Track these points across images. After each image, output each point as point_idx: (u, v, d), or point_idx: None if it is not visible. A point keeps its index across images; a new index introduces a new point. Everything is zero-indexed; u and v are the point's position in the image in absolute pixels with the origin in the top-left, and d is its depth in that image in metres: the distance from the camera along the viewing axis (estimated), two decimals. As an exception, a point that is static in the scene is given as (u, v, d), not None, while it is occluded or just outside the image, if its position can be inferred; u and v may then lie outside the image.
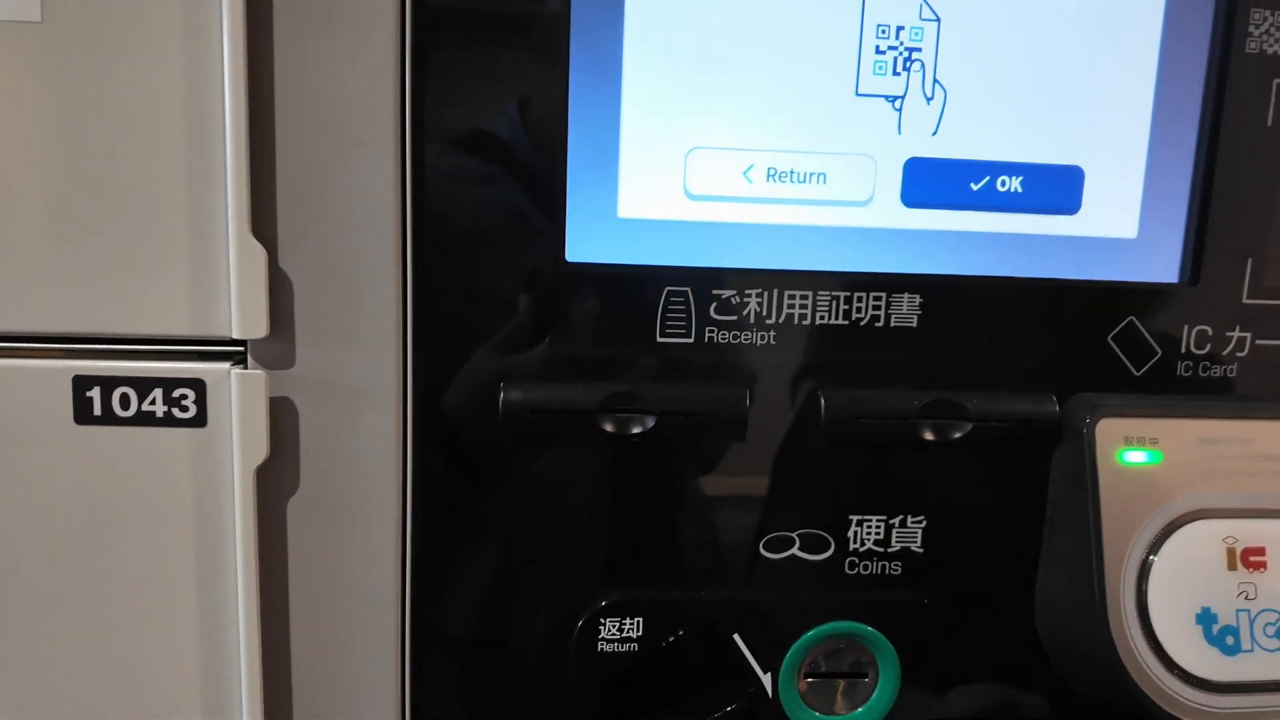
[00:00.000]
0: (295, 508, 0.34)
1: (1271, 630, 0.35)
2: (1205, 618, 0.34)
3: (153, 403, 0.32)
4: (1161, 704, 0.34)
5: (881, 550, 0.36)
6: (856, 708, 0.37)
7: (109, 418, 0.32)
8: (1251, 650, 0.35)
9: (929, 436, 0.35)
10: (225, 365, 0.32)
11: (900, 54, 0.34)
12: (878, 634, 0.36)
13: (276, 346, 0.33)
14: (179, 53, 0.31)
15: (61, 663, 0.34)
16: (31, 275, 0.31)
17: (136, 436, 0.32)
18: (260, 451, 0.32)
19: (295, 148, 0.31)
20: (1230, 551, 0.35)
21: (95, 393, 0.32)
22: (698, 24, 0.33)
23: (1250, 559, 0.35)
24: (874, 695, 0.37)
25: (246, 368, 0.33)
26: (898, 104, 0.35)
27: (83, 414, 0.32)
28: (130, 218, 0.31)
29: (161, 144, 0.31)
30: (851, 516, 0.36)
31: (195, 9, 0.30)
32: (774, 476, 0.36)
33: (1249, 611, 0.35)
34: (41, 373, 0.32)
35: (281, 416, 0.33)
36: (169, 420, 0.33)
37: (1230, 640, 0.35)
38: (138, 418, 0.32)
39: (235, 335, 0.32)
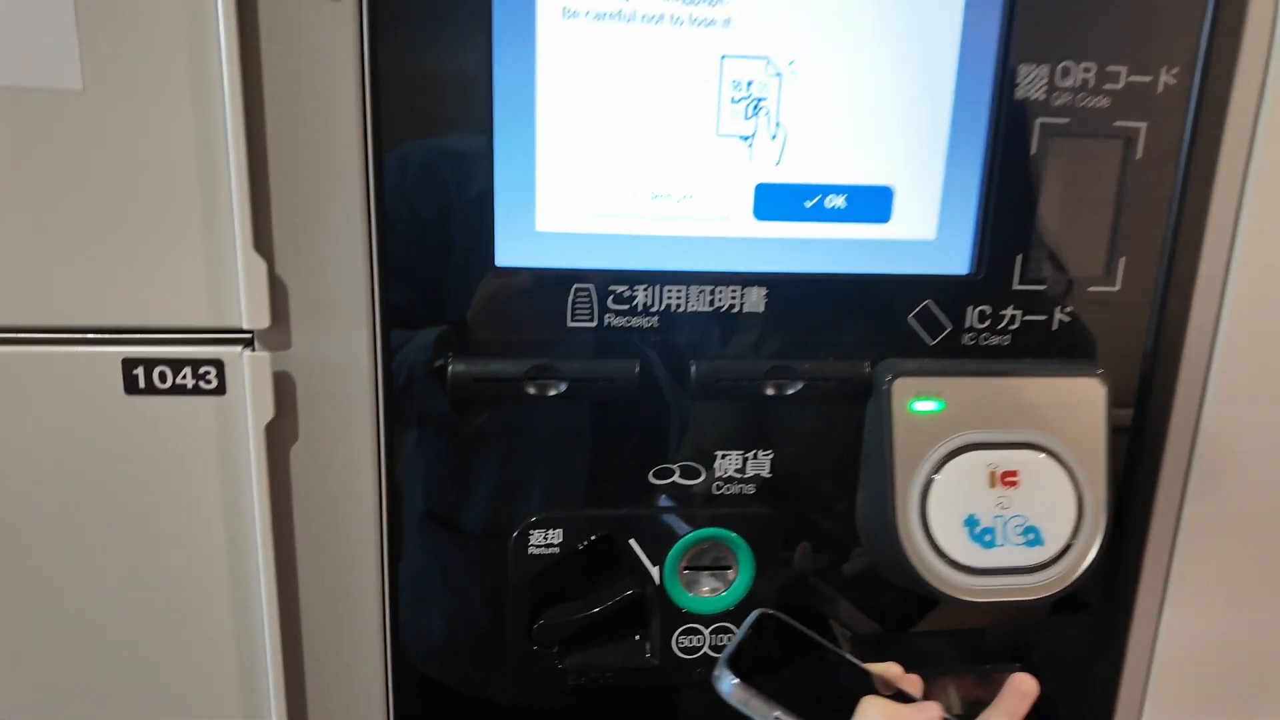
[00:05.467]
0: (297, 454, 0.45)
1: (1019, 530, 0.48)
2: (970, 522, 0.47)
3: (184, 378, 0.43)
4: (936, 585, 0.47)
5: (740, 476, 0.49)
6: (723, 591, 0.50)
7: (151, 389, 0.43)
8: (1004, 545, 0.48)
9: (771, 392, 0.47)
10: (238, 349, 0.43)
11: (750, 103, 0.44)
12: (738, 537, 0.49)
13: (277, 334, 0.43)
14: (190, 113, 0.40)
15: (113, 580, 0.45)
16: (89, 285, 0.41)
17: (172, 403, 0.43)
18: (268, 412, 0.43)
19: (287, 189, 0.41)
20: (992, 474, 0.47)
21: (140, 371, 0.43)
22: (594, 87, 0.43)
23: (1006, 479, 0.48)
24: (735, 582, 0.50)
25: (255, 350, 0.43)
26: (749, 141, 0.45)
27: (131, 387, 0.43)
28: (163, 242, 0.41)
29: (180, 181, 0.41)
30: (717, 451, 0.48)
31: (201, 86, 0.39)
32: (658, 424, 0.47)
33: (1003, 517, 0.48)
34: (99, 356, 0.42)
35: (283, 386, 0.44)
36: (196, 391, 0.43)
37: (988, 538, 0.47)
38: (173, 389, 0.43)
39: (245, 326, 0.42)
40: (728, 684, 0.39)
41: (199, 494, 0.44)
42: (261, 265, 0.42)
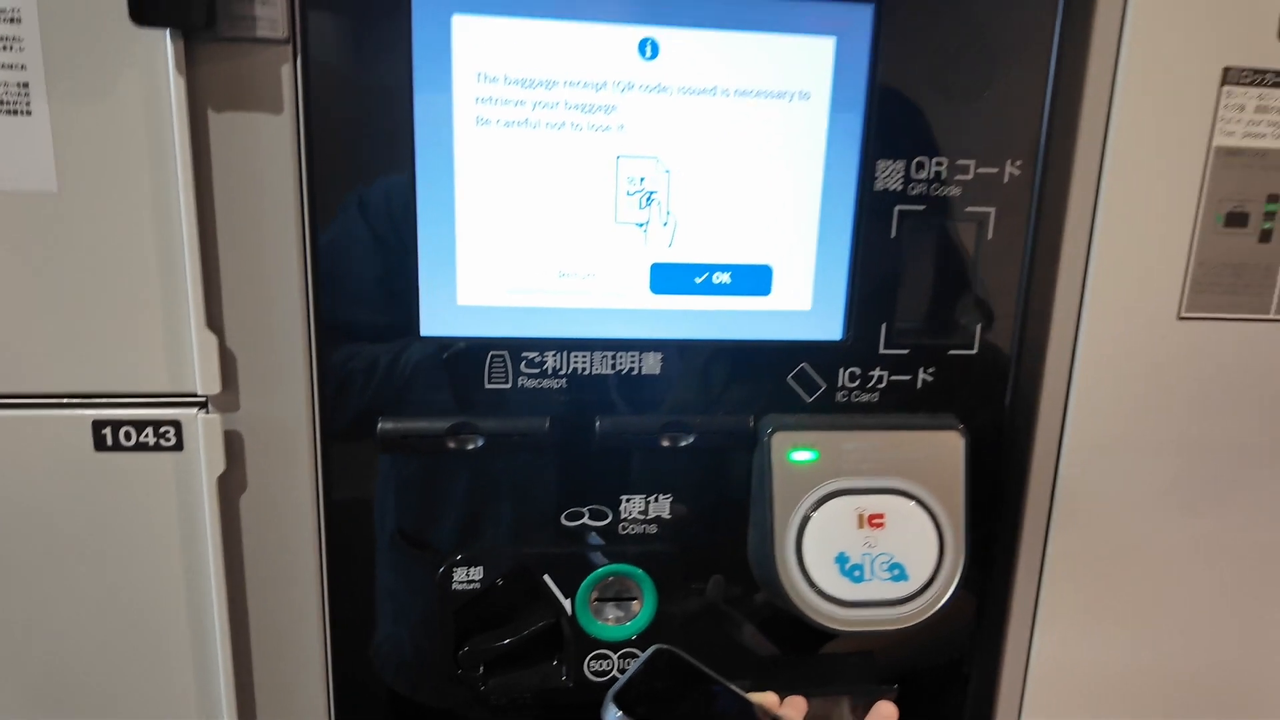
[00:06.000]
0: (245, 501, 0.51)
1: (885, 566, 0.54)
2: (841, 559, 0.54)
3: (146, 436, 0.49)
4: (812, 614, 0.53)
5: (643, 517, 0.55)
6: (628, 621, 0.56)
7: (117, 446, 0.49)
8: (871, 580, 0.54)
9: (666, 444, 0.53)
10: (194, 411, 0.49)
11: (644, 195, 0.51)
12: (642, 573, 0.55)
13: (228, 398, 0.50)
14: (150, 209, 0.46)
15: (86, 610, 0.51)
16: (64, 356, 0.48)
17: (136, 459, 0.49)
18: (219, 466, 0.50)
19: (235, 275, 0.48)
20: (860, 516, 0.54)
21: (108, 431, 0.49)
22: (506, 183, 0.49)
23: (873, 521, 0.54)
24: (640, 613, 0.56)
25: (208, 412, 0.49)
26: (644, 228, 0.52)
27: (100, 445, 0.49)
28: (130, 321, 0.47)
29: (143, 268, 0.47)
30: (622, 496, 0.54)
31: (161, 187, 0.46)
32: (569, 472, 0.54)
33: (871, 555, 0.54)
34: (71, 418, 0.48)
35: (233, 443, 0.50)
36: (157, 448, 0.49)
37: (857, 574, 0.54)
38: (137, 446, 0.49)
39: (199, 392, 0.49)
40: (612, 716, 0.44)
41: (160, 537, 0.50)
42: (213, 340, 0.48)
